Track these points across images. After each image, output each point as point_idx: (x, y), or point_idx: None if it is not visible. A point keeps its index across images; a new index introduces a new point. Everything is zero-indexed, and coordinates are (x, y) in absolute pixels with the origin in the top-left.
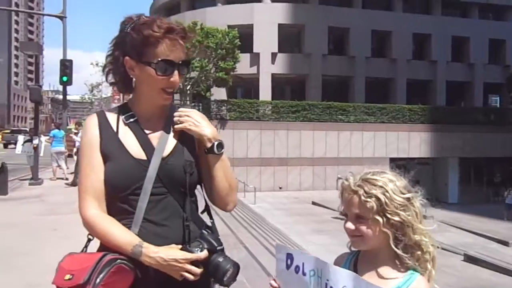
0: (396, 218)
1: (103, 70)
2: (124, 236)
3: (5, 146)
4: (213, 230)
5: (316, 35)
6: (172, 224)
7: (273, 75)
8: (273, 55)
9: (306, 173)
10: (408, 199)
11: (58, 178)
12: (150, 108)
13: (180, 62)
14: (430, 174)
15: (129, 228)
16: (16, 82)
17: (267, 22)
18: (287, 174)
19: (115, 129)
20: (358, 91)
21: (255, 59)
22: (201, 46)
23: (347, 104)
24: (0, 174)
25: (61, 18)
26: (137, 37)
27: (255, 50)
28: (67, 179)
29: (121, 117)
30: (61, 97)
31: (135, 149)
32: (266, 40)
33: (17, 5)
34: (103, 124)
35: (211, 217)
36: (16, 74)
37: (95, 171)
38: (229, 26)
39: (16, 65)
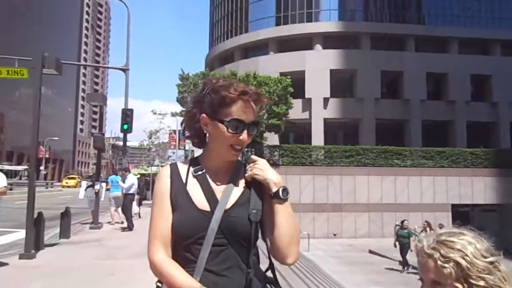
0: (482, 283)
1: (181, 124)
2: (186, 281)
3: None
4: (276, 286)
5: (369, 79)
6: (232, 275)
7: (325, 119)
8: (325, 100)
9: (362, 219)
10: (492, 263)
11: (116, 222)
12: (219, 162)
13: (250, 122)
14: (496, 221)
15: (191, 275)
16: (82, 130)
17: (319, 68)
18: (341, 220)
19: (184, 181)
20: (414, 135)
21: (307, 105)
22: None
23: (403, 148)
24: (64, 218)
25: (124, 70)
26: (214, 97)
27: (307, 96)
28: (122, 222)
29: (191, 170)
30: (121, 143)
31: (201, 201)
32: (318, 86)
33: (85, 59)
34: (174, 175)
35: (274, 275)
36: (82, 122)
37: (165, 218)
38: (281, 73)
39: (82, 114)
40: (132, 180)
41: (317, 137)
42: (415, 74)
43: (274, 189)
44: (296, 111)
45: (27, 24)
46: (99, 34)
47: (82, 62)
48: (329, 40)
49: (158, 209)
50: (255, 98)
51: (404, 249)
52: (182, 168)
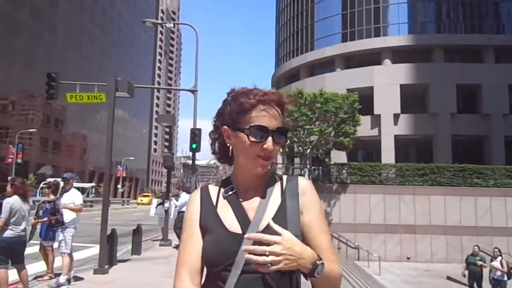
0: None
1: (210, 137)
2: None
3: None
4: None
5: (443, 93)
6: None
7: (396, 136)
8: (395, 116)
9: (438, 242)
10: None
11: None
12: (248, 178)
13: (275, 129)
14: None
15: None
16: (155, 150)
17: (388, 83)
18: (415, 243)
19: (214, 203)
20: (496, 152)
21: (376, 121)
22: (320, 111)
23: (484, 167)
24: (135, 235)
25: (193, 91)
26: (233, 105)
27: (376, 112)
28: None
29: (222, 191)
30: (191, 162)
31: (231, 223)
32: (387, 102)
33: (158, 83)
34: (205, 198)
35: None
36: (155, 143)
37: (193, 244)
38: (348, 90)
39: (156, 135)
40: (185, 198)
41: (388, 155)
42: (496, 86)
43: (308, 268)
44: (364, 128)
45: (105, 52)
46: (171, 58)
47: (156, 85)
48: (398, 55)
49: (188, 235)
50: (278, 102)
51: (475, 279)
52: (213, 190)
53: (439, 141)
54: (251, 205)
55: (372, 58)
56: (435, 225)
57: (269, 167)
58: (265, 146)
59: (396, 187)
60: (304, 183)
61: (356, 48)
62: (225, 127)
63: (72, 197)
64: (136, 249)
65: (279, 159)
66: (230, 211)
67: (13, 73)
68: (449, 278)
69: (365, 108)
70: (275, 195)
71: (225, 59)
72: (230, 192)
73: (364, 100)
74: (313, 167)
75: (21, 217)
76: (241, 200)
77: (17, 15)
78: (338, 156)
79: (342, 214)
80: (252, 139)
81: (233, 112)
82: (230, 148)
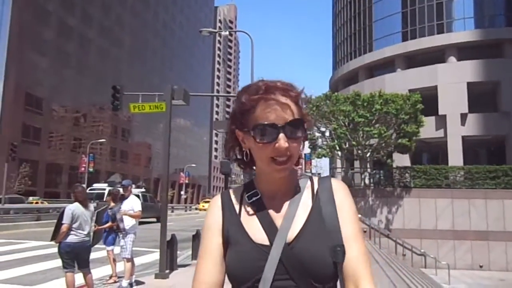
0: None
1: (225, 146)
2: None
3: None
4: None
5: None
6: None
7: (463, 137)
8: (463, 116)
9: None
10: None
11: None
12: (272, 183)
13: (285, 124)
14: None
15: None
16: (216, 157)
17: (453, 82)
18: (488, 250)
19: (237, 210)
20: None
21: (441, 122)
22: (380, 113)
23: None
24: (195, 240)
25: None
26: (236, 105)
27: (440, 112)
28: None
29: (245, 196)
30: None
31: (257, 233)
32: (453, 101)
33: (217, 91)
34: (226, 205)
35: None
36: (216, 150)
37: (212, 258)
38: (410, 90)
39: (216, 142)
40: None
41: (455, 157)
42: None
43: None
44: (428, 130)
45: (166, 63)
46: (230, 67)
47: (214, 93)
48: (464, 51)
49: (205, 249)
50: (283, 93)
51: None
52: (235, 196)
53: None
54: (278, 213)
55: (435, 56)
56: (511, 232)
57: (293, 169)
58: (276, 145)
59: (465, 190)
60: (338, 184)
61: (418, 46)
62: (238, 130)
63: (131, 204)
64: (196, 254)
65: (338, 163)
66: (255, 219)
67: (84, 87)
68: None
69: (429, 109)
70: (305, 199)
71: (281, 65)
72: (254, 198)
73: (427, 100)
74: (374, 171)
75: (83, 222)
76: (267, 206)
77: (87, 33)
78: (401, 160)
79: (406, 219)
80: (259, 140)
81: (237, 113)
82: (245, 152)
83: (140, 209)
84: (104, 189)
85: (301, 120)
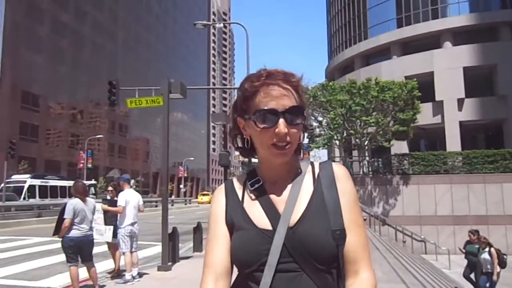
0: None
1: (229, 135)
2: None
3: None
4: None
5: None
6: None
7: (461, 122)
8: (460, 101)
9: None
10: None
11: None
12: (273, 169)
13: (285, 110)
14: None
15: None
16: (214, 149)
17: (450, 67)
18: (488, 234)
19: (240, 197)
20: None
21: (438, 108)
22: (376, 101)
23: None
24: (196, 233)
25: None
26: (239, 92)
27: (437, 98)
28: None
29: (248, 183)
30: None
31: (260, 218)
32: (450, 86)
33: (213, 84)
34: (230, 193)
35: None
36: (214, 143)
37: (219, 242)
38: (406, 77)
39: (214, 135)
40: None
41: (453, 142)
42: None
43: None
44: (425, 116)
45: (161, 57)
46: (225, 59)
47: (210, 86)
48: (460, 36)
49: (213, 235)
50: (282, 79)
51: (474, 270)
52: (238, 184)
53: (510, 125)
54: (280, 197)
55: (431, 42)
56: (510, 215)
57: (293, 154)
58: (276, 130)
59: (463, 176)
60: (339, 169)
61: (413, 32)
62: (239, 118)
63: (119, 198)
64: (198, 246)
65: (336, 152)
66: (258, 205)
67: (80, 83)
68: None
69: (425, 95)
70: (306, 184)
71: (277, 56)
72: (257, 185)
73: (424, 86)
74: (372, 159)
75: (85, 217)
76: (268, 192)
77: (81, 29)
78: (399, 147)
79: (405, 206)
80: (260, 125)
81: (240, 100)
82: (247, 140)
83: (123, 205)
84: (25, 182)
85: (301, 107)
